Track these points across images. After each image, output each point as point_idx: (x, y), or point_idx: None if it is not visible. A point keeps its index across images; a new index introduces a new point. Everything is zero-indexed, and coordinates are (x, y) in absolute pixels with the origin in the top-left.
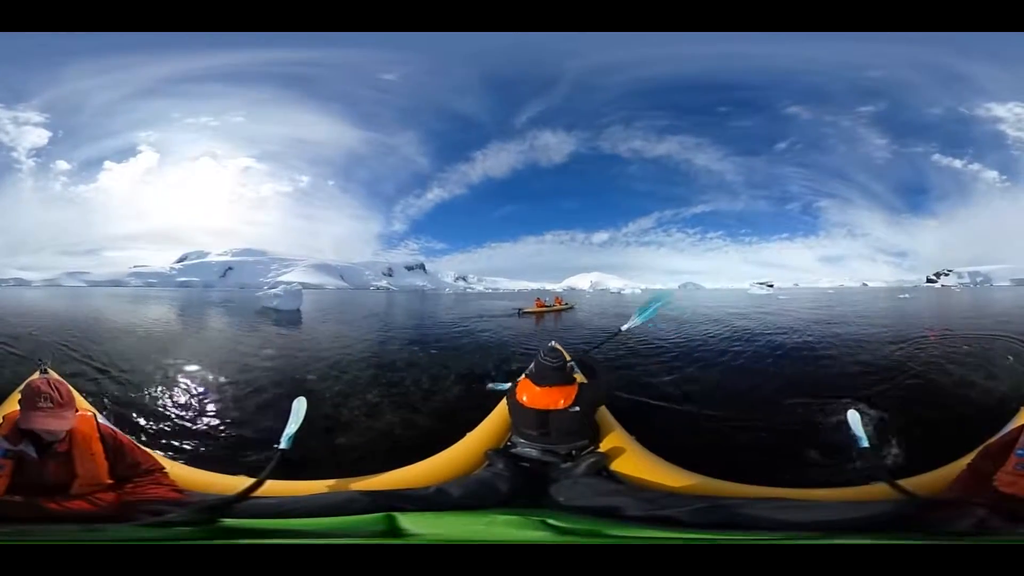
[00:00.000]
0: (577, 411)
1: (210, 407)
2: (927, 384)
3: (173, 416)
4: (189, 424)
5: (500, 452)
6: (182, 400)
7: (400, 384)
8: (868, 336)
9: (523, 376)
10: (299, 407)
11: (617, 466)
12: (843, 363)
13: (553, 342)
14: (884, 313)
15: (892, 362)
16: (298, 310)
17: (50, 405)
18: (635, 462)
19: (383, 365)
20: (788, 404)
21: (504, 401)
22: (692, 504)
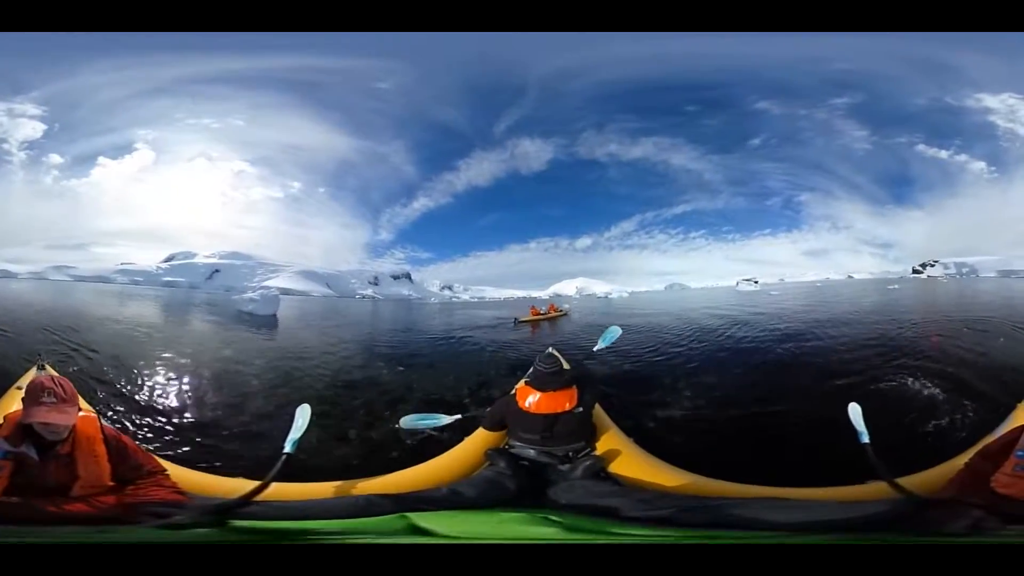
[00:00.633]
0: (580, 411)
1: (133, 400)
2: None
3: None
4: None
5: (501, 451)
6: (103, 390)
7: (339, 407)
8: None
9: (522, 384)
10: (303, 413)
11: (614, 467)
12: (851, 360)
13: (550, 348)
14: (883, 306)
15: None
16: (274, 315)
17: (53, 400)
18: (632, 463)
19: (336, 383)
20: (787, 404)
21: (490, 417)
22: (688, 504)
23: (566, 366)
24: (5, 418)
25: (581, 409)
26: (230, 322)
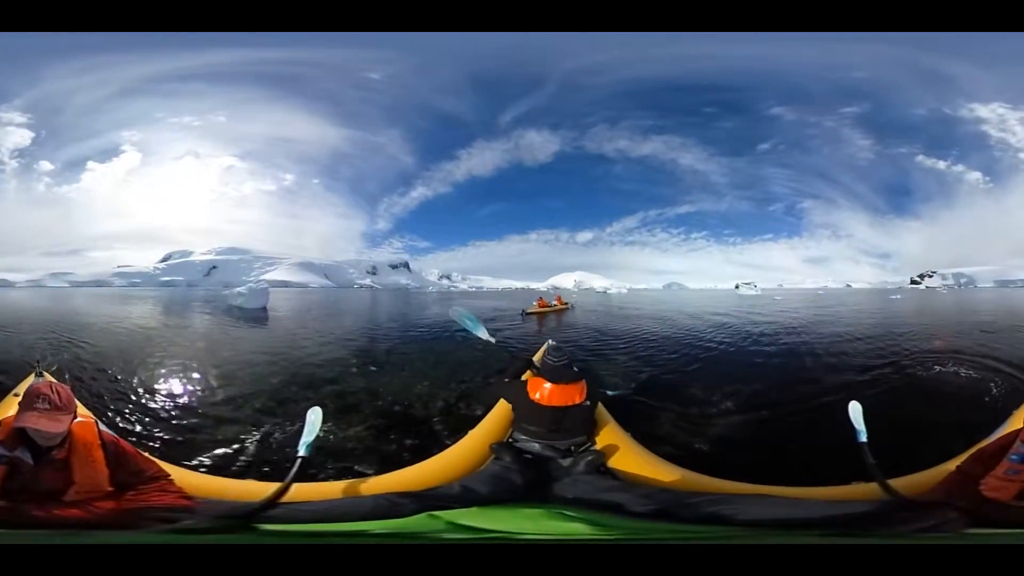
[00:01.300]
0: (588, 405)
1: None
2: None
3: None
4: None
5: (505, 446)
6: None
7: (286, 407)
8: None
9: (530, 376)
10: (315, 417)
11: (614, 462)
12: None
13: (551, 341)
14: (894, 315)
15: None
16: (264, 308)
17: (47, 407)
18: (631, 458)
19: (298, 381)
20: (785, 404)
21: (502, 400)
22: (685, 499)
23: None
24: (1, 423)
25: (589, 403)
26: (213, 317)
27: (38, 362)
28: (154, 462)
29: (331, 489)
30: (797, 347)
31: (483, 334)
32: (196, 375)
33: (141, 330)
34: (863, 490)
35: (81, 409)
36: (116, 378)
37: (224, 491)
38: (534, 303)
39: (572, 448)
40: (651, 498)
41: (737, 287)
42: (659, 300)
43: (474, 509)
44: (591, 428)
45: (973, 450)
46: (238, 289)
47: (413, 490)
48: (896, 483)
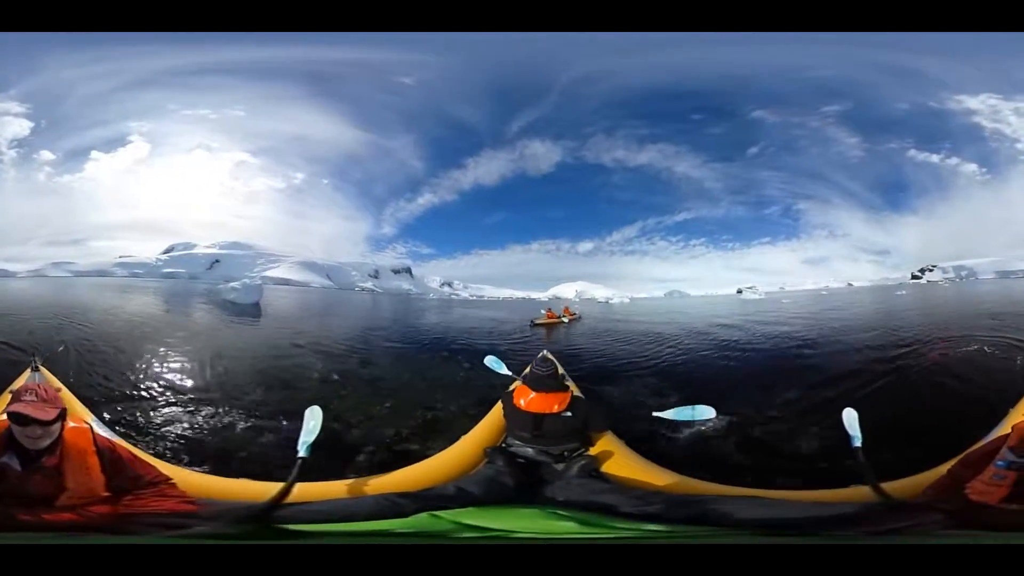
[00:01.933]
0: (569, 416)
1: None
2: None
3: None
4: None
5: (499, 450)
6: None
7: (226, 406)
8: None
9: (519, 382)
10: (314, 416)
11: (607, 467)
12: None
13: (545, 352)
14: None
15: None
16: (256, 304)
17: (34, 399)
18: (623, 463)
19: (253, 379)
20: (784, 404)
21: (499, 404)
22: (677, 501)
23: (560, 370)
24: None
25: (570, 414)
26: (213, 310)
27: (33, 357)
28: (154, 466)
29: (331, 490)
30: (846, 352)
31: (506, 374)
32: (158, 364)
33: (114, 318)
34: (853, 493)
35: (77, 414)
36: (102, 366)
37: (227, 492)
38: (543, 313)
39: (565, 453)
40: (643, 500)
41: (740, 292)
42: (661, 309)
43: (472, 509)
44: (580, 436)
45: (963, 455)
46: (232, 284)
47: (412, 491)
48: (890, 486)
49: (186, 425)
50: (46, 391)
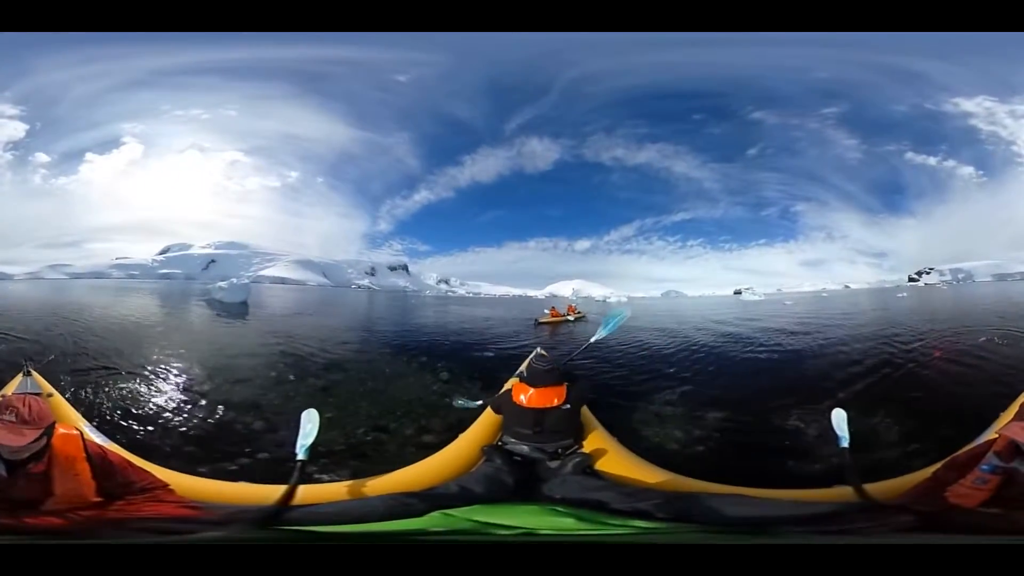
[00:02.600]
0: (568, 408)
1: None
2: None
3: None
4: None
5: (496, 448)
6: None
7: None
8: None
9: (515, 381)
10: (311, 418)
11: (600, 464)
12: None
13: (539, 348)
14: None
15: None
16: (244, 303)
17: (12, 420)
18: (616, 460)
19: (209, 374)
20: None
21: (489, 408)
22: (666, 499)
23: (555, 365)
24: None
25: (568, 406)
26: (200, 310)
27: (25, 361)
28: (149, 472)
29: (335, 491)
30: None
31: (473, 404)
32: (131, 357)
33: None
34: (835, 492)
35: (69, 419)
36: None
37: (228, 496)
38: (547, 312)
39: (559, 451)
40: (635, 496)
41: (740, 293)
42: (662, 308)
43: (479, 507)
44: (577, 431)
45: (948, 459)
46: (220, 284)
47: (417, 490)
48: (875, 487)
49: (128, 399)
50: (30, 407)
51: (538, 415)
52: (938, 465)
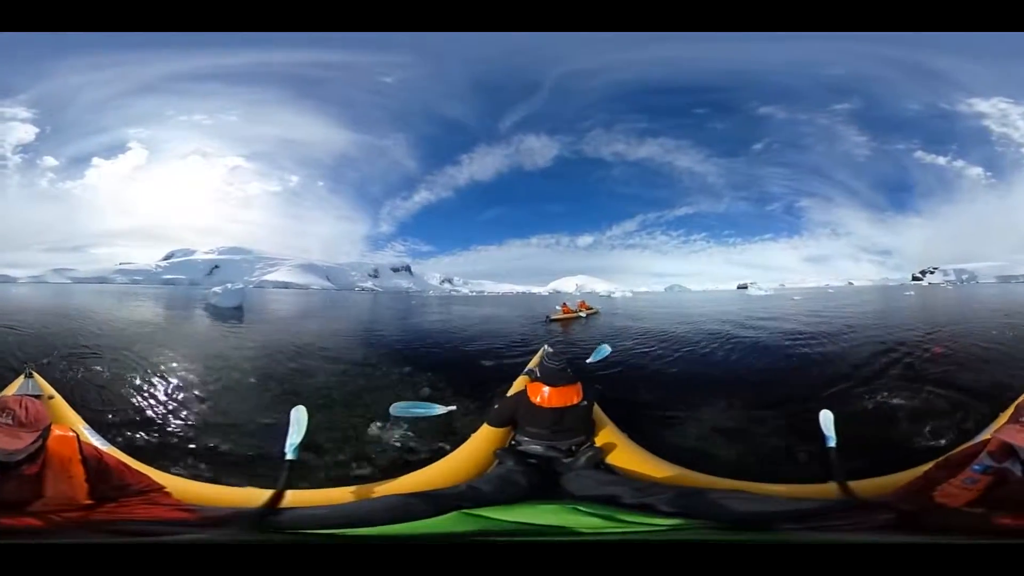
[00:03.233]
0: (586, 405)
1: None
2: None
3: None
4: None
5: (508, 451)
6: None
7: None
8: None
9: (529, 381)
10: (299, 417)
11: (612, 459)
12: None
13: (547, 346)
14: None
15: None
16: (239, 307)
17: (9, 422)
18: (627, 455)
19: (182, 377)
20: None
21: (497, 412)
22: (672, 493)
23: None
24: None
25: (585, 403)
26: (193, 313)
27: (26, 363)
28: (145, 475)
29: (338, 495)
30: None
31: (437, 410)
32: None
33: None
34: (824, 489)
35: (67, 421)
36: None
37: (224, 499)
38: (558, 308)
39: (573, 448)
40: (643, 490)
41: (745, 287)
42: (669, 303)
43: (498, 507)
44: (591, 427)
45: (942, 458)
46: (215, 289)
47: (429, 490)
48: (866, 484)
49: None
50: (27, 410)
51: (556, 414)
52: (930, 464)
